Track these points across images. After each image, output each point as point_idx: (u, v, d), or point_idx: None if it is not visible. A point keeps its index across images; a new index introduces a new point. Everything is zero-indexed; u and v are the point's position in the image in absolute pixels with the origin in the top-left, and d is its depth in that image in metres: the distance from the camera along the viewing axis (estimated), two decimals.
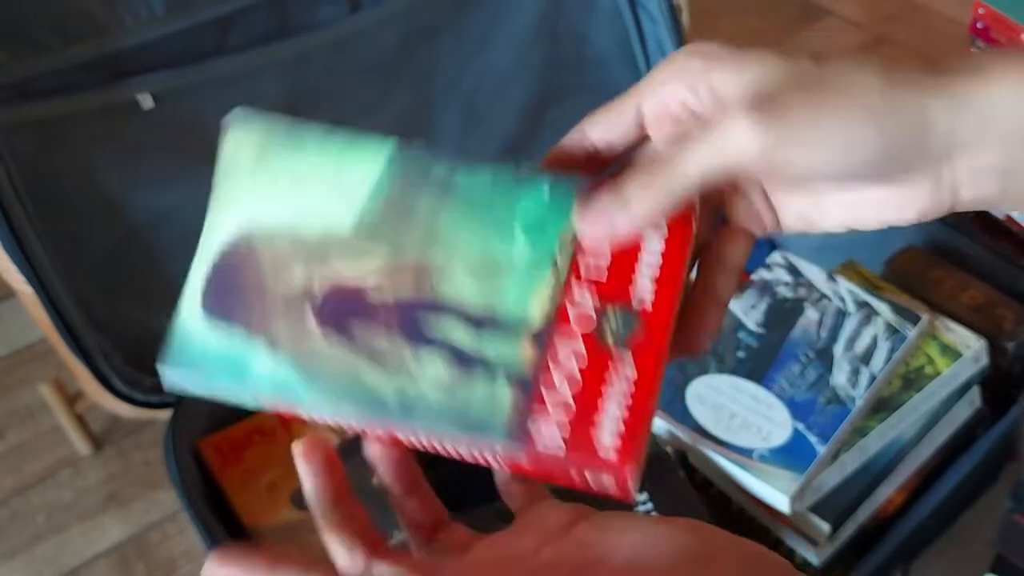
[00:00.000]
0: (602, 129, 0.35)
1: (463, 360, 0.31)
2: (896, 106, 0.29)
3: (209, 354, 0.33)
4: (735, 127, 0.29)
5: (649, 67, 0.99)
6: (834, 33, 1.47)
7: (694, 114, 0.32)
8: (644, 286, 0.31)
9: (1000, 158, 0.29)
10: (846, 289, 0.74)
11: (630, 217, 0.31)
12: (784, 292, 0.75)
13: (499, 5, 0.89)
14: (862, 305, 0.73)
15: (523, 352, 0.31)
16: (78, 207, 0.71)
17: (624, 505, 0.33)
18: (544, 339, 0.31)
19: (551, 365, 0.31)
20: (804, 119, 0.29)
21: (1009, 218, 0.96)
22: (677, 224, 0.32)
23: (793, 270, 0.77)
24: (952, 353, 0.71)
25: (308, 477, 0.33)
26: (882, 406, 0.69)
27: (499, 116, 0.92)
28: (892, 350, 0.70)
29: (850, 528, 0.68)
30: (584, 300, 0.31)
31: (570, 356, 0.31)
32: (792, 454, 0.65)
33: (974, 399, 0.74)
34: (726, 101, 0.31)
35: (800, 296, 0.74)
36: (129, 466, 0.97)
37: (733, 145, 0.29)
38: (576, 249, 0.32)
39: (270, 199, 0.34)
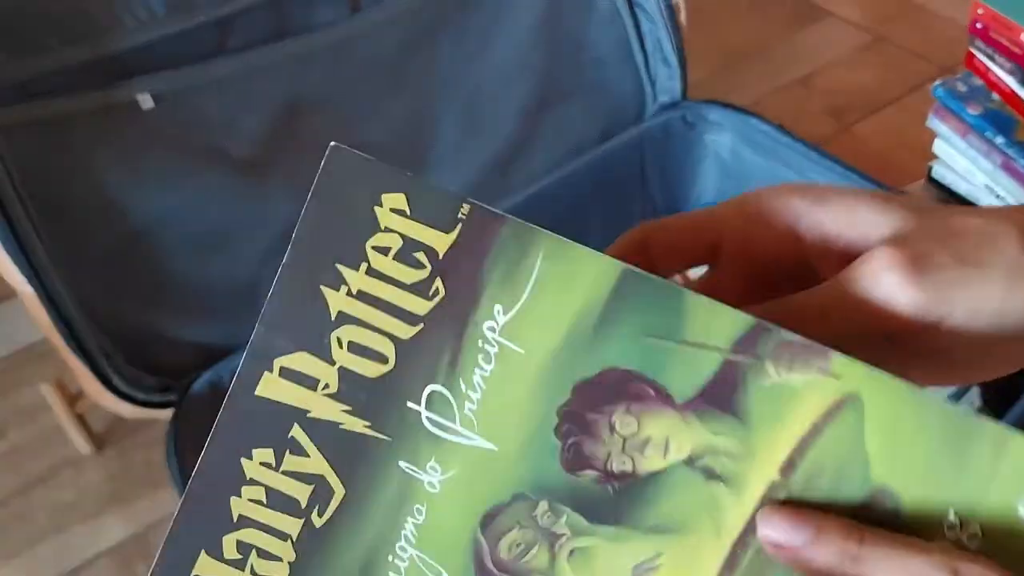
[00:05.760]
0: (670, 249, 0.31)
1: None
2: None
3: None
4: (887, 279, 0.26)
5: (648, 67, 0.99)
6: (833, 33, 1.47)
7: (780, 252, 0.30)
8: None
9: None
10: None
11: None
12: None
13: (499, 7, 0.90)
14: None
15: None
16: (78, 207, 0.71)
17: None
18: None
19: None
20: (959, 280, 0.26)
21: None
22: None
23: None
24: None
25: None
26: None
27: (499, 117, 0.92)
28: None
29: None
30: None
31: None
32: None
33: (974, 399, 0.75)
34: (852, 247, 0.28)
35: None
36: (130, 466, 0.97)
37: (884, 297, 0.26)
38: None
39: None
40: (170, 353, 0.77)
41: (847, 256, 0.28)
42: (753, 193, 0.30)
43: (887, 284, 0.26)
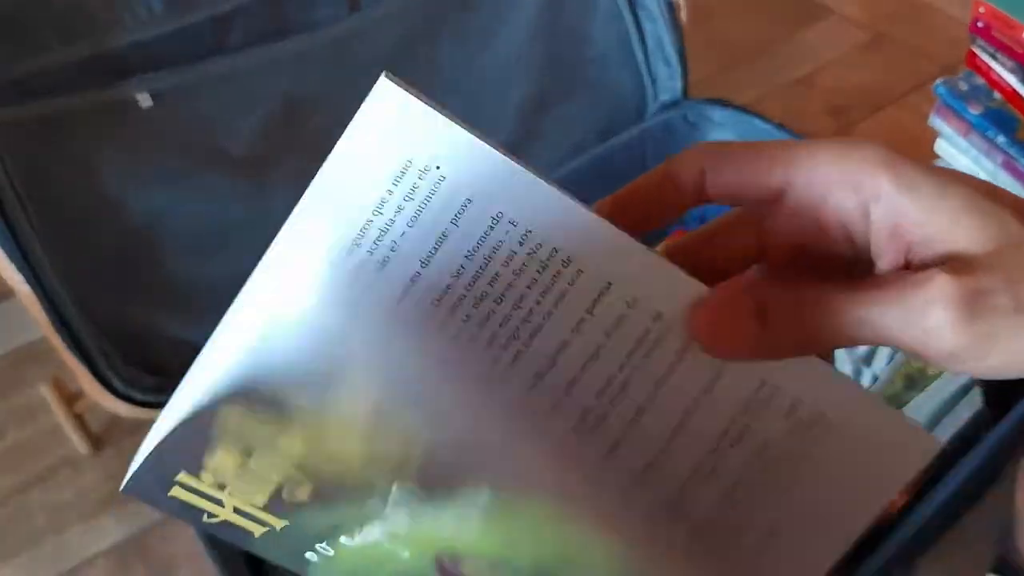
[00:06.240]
0: (730, 184, 0.28)
1: None
2: None
3: None
4: (937, 314, 0.25)
5: (649, 65, 0.98)
6: (835, 32, 1.47)
7: (845, 224, 0.28)
8: None
9: None
10: None
11: (761, 347, 0.26)
12: None
13: (499, 4, 0.89)
14: None
15: None
16: (77, 206, 0.71)
17: None
18: None
19: None
20: (1009, 328, 0.25)
21: None
22: None
23: None
24: None
25: None
26: None
27: (500, 116, 0.92)
28: (894, 351, 0.69)
29: None
30: None
31: None
32: None
33: (975, 400, 0.74)
34: (919, 245, 0.26)
35: None
36: (128, 466, 0.96)
37: (926, 330, 0.25)
38: None
39: None
40: (169, 353, 0.77)
41: (907, 250, 0.27)
42: (837, 149, 0.27)
43: (934, 319, 0.25)
